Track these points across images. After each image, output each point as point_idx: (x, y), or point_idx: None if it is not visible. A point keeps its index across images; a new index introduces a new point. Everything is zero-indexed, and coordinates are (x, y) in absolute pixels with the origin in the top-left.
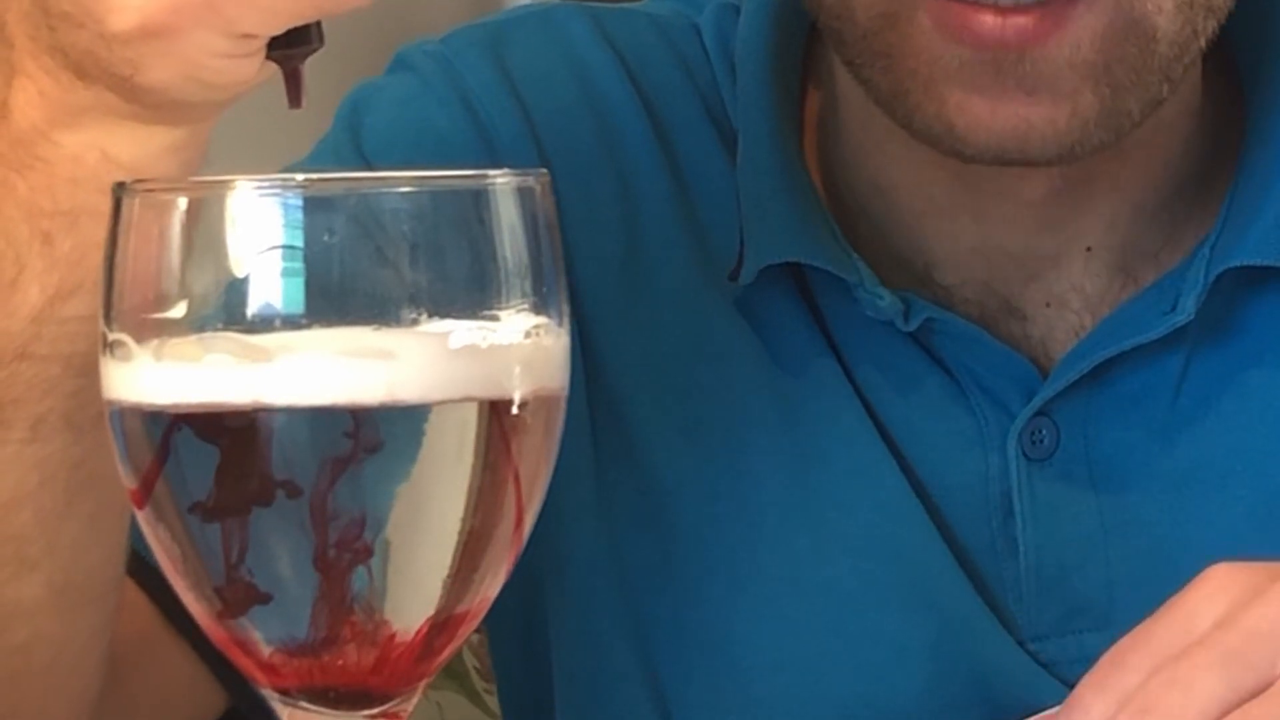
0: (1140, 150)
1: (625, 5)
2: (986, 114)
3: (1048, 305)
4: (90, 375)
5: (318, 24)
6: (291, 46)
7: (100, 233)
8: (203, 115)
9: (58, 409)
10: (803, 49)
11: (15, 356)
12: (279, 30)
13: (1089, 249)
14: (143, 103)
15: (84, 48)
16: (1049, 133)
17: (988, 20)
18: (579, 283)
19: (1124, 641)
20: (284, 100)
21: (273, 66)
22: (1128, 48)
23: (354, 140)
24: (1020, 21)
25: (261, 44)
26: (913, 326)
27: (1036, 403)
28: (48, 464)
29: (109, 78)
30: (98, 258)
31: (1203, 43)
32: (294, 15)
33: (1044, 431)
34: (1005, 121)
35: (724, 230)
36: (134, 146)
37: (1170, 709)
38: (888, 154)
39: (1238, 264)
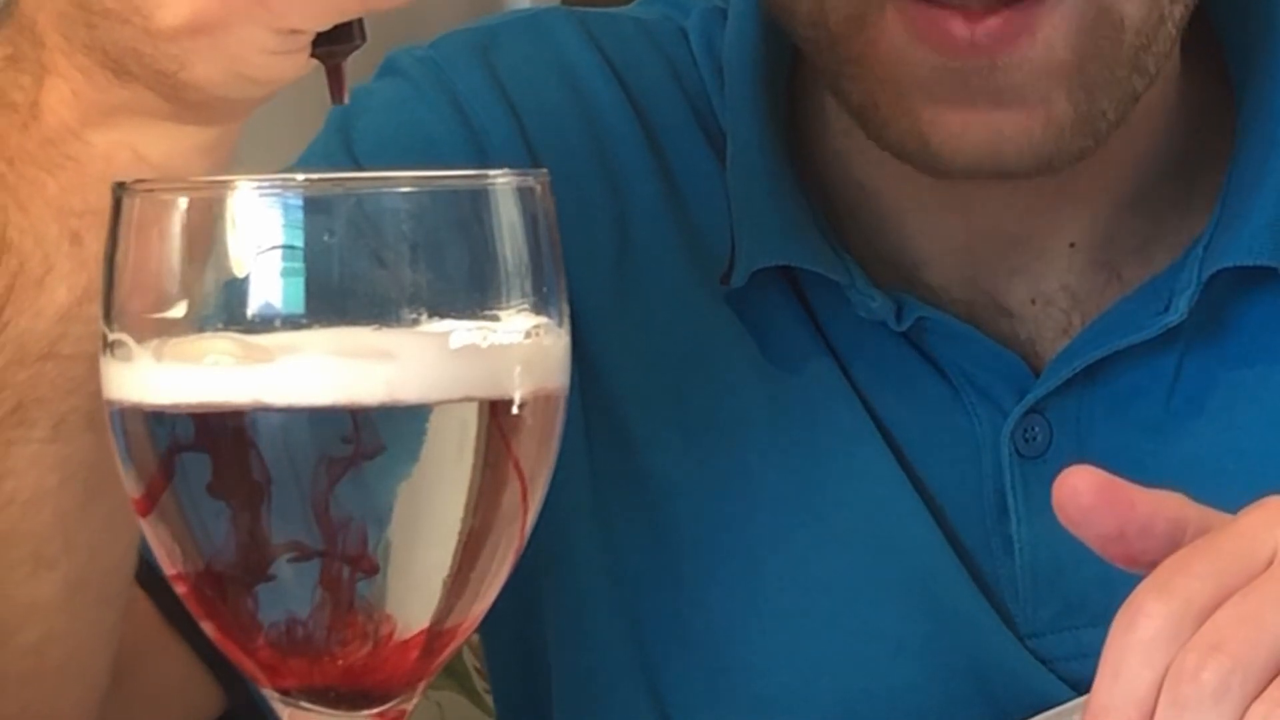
0: (1115, 139)
1: (612, 10)
2: (959, 127)
3: (1033, 302)
4: None
5: (359, 21)
6: (334, 43)
7: None
8: (236, 114)
9: (80, 409)
10: (790, 52)
11: (41, 356)
12: (324, 25)
13: (1072, 244)
14: (183, 99)
15: (127, 44)
16: (1024, 143)
17: (957, 26)
18: (572, 285)
19: (1184, 552)
20: (281, 101)
21: (312, 63)
22: (1100, 40)
23: (345, 144)
24: (991, 24)
25: (307, 40)
26: (905, 326)
27: (1029, 400)
28: (68, 464)
29: (151, 75)
30: None
31: (1171, 28)
32: (339, 10)
33: (1037, 429)
34: (978, 134)
35: (715, 232)
36: (166, 146)
37: (1242, 644)
38: (870, 157)
39: (1231, 264)
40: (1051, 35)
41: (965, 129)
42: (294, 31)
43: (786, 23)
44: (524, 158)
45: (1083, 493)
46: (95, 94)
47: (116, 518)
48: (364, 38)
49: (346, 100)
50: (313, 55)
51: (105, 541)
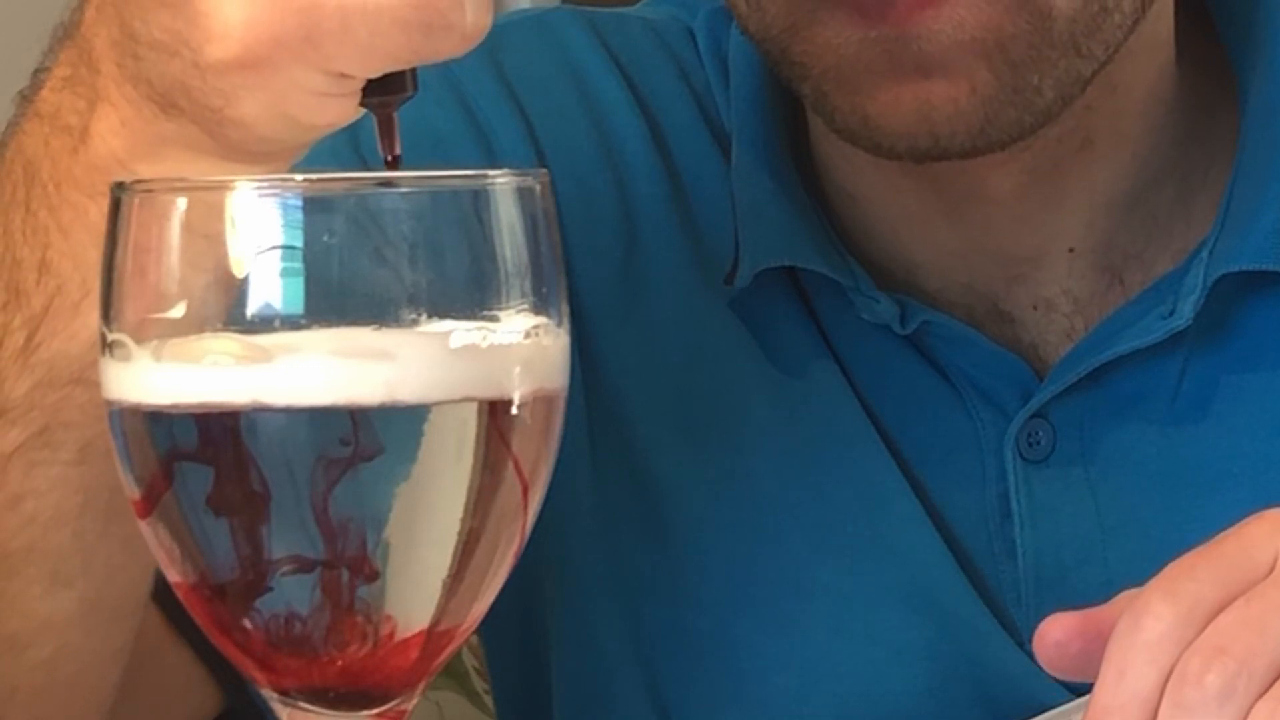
0: (1106, 140)
1: (620, 10)
2: (891, 99)
3: (1035, 308)
4: None
5: (413, 71)
6: (387, 92)
7: None
8: (282, 157)
9: (107, 434)
10: None
11: (71, 380)
12: (375, 73)
13: (1071, 250)
14: (228, 137)
15: (174, 77)
16: (951, 112)
17: (872, 3)
18: (577, 284)
19: (1189, 557)
20: None
21: (360, 110)
22: (1020, 24)
23: (352, 141)
24: None
25: (356, 86)
26: (909, 330)
27: (1034, 404)
28: (92, 487)
29: (197, 109)
30: None
31: (1118, 18)
32: (391, 58)
33: (1040, 433)
34: (908, 106)
35: (720, 233)
36: None
37: (1246, 648)
38: (855, 165)
39: (1236, 269)
40: (963, 12)
41: (897, 101)
42: (344, 76)
43: (759, 48)
44: (531, 157)
45: (1067, 643)
46: (143, 125)
47: (135, 540)
48: (416, 88)
49: (398, 150)
50: (364, 103)
51: (123, 563)
